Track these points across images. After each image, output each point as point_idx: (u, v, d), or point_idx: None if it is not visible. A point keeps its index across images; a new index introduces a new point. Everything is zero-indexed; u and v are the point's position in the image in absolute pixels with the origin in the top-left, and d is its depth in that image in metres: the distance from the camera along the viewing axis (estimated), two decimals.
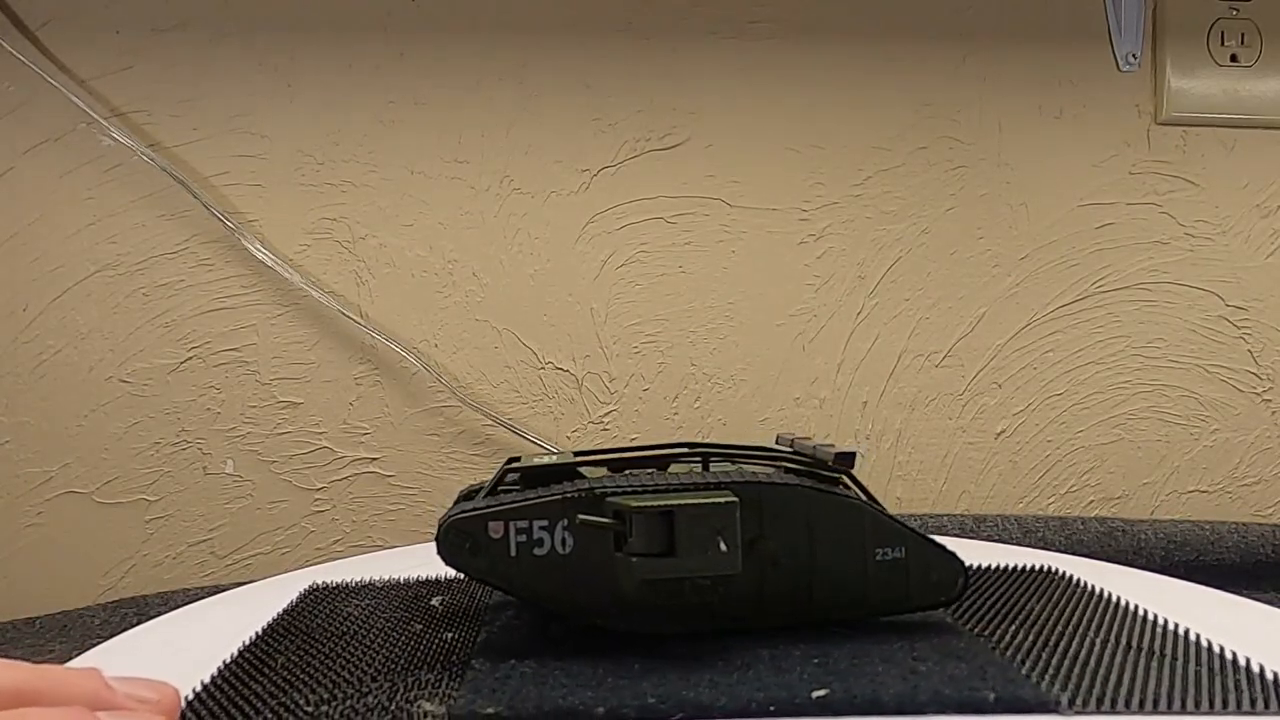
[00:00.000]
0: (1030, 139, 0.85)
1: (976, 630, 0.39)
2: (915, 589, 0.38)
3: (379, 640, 0.40)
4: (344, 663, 0.37)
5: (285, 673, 0.36)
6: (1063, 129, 0.85)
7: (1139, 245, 0.85)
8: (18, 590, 0.75)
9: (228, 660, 0.38)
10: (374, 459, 0.79)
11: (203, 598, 0.51)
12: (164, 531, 0.77)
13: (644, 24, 0.81)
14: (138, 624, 0.46)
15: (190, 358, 0.77)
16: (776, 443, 0.45)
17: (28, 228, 0.75)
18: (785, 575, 0.37)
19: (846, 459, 0.39)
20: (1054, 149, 0.85)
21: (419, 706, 0.31)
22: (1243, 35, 0.85)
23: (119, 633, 0.44)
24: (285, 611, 0.45)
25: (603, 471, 0.39)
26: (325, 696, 0.33)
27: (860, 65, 0.83)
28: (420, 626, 0.42)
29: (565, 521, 0.36)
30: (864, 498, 0.39)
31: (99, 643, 0.42)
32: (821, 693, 0.31)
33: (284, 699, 0.33)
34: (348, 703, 0.32)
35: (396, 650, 0.38)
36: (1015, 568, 0.51)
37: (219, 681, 0.35)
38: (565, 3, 0.80)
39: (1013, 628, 0.39)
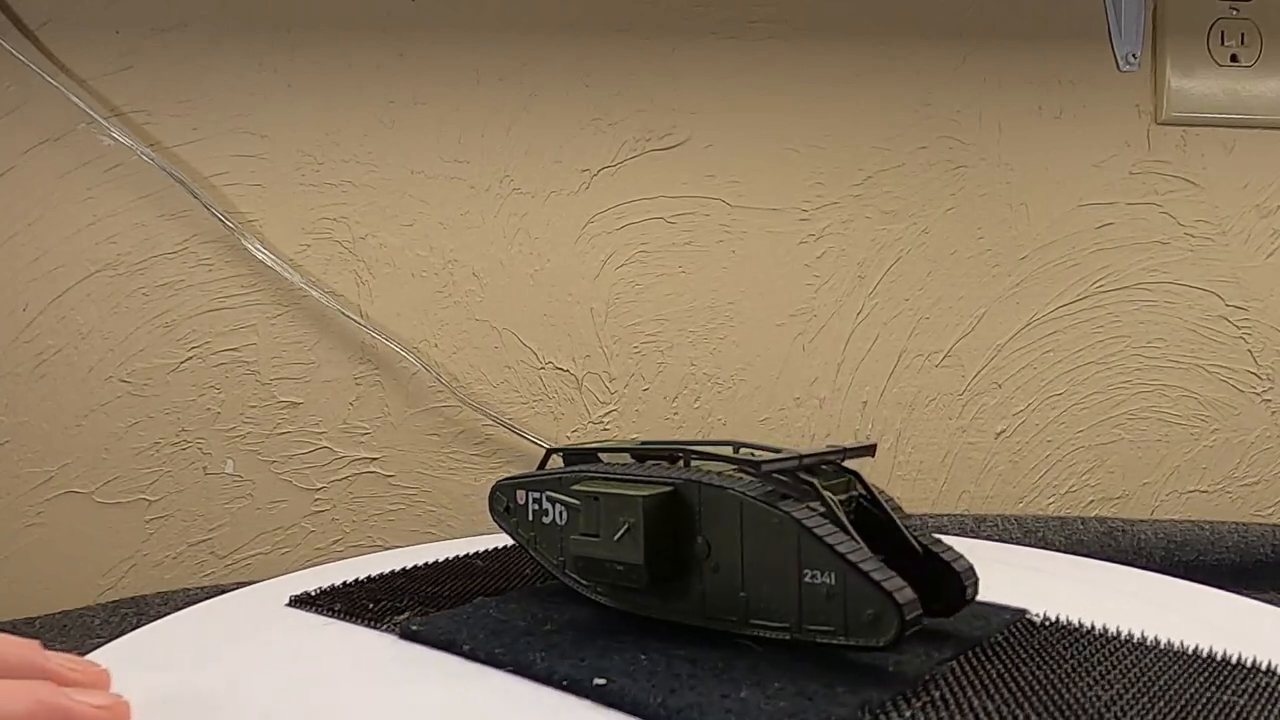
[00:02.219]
0: (1030, 139, 0.85)
1: (929, 691, 0.33)
2: (852, 623, 0.33)
3: (469, 581, 0.48)
4: (424, 591, 0.46)
5: (392, 583, 0.48)
6: (1063, 129, 0.85)
7: (1139, 245, 0.85)
8: (18, 590, 0.75)
9: (398, 568, 0.50)
10: (374, 459, 0.79)
11: (203, 598, 0.51)
12: (164, 531, 0.77)
13: (644, 24, 0.81)
14: (138, 624, 0.46)
15: (190, 358, 0.77)
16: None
17: (28, 228, 0.75)
18: (724, 580, 0.36)
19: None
20: (1054, 149, 0.85)
21: (397, 620, 0.41)
22: (1243, 35, 0.85)
23: (119, 633, 0.44)
24: (475, 552, 0.54)
25: (625, 458, 0.42)
26: (386, 605, 0.44)
27: (860, 65, 0.83)
28: (522, 569, 0.50)
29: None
30: (817, 510, 0.35)
31: (99, 643, 0.42)
32: (600, 682, 0.33)
33: (365, 600, 0.45)
34: (384, 612, 0.43)
35: (458, 587, 0.47)
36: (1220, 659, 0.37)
37: (361, 578, 0.48)
38: (565, 3, 0.80)
39: (987, 702, 0.32)
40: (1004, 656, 0.37)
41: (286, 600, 0.45)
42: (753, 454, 0.40)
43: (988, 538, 0.78)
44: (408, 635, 0.40)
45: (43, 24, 0.75)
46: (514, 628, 0.40)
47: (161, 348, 0.77)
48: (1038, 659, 0.36)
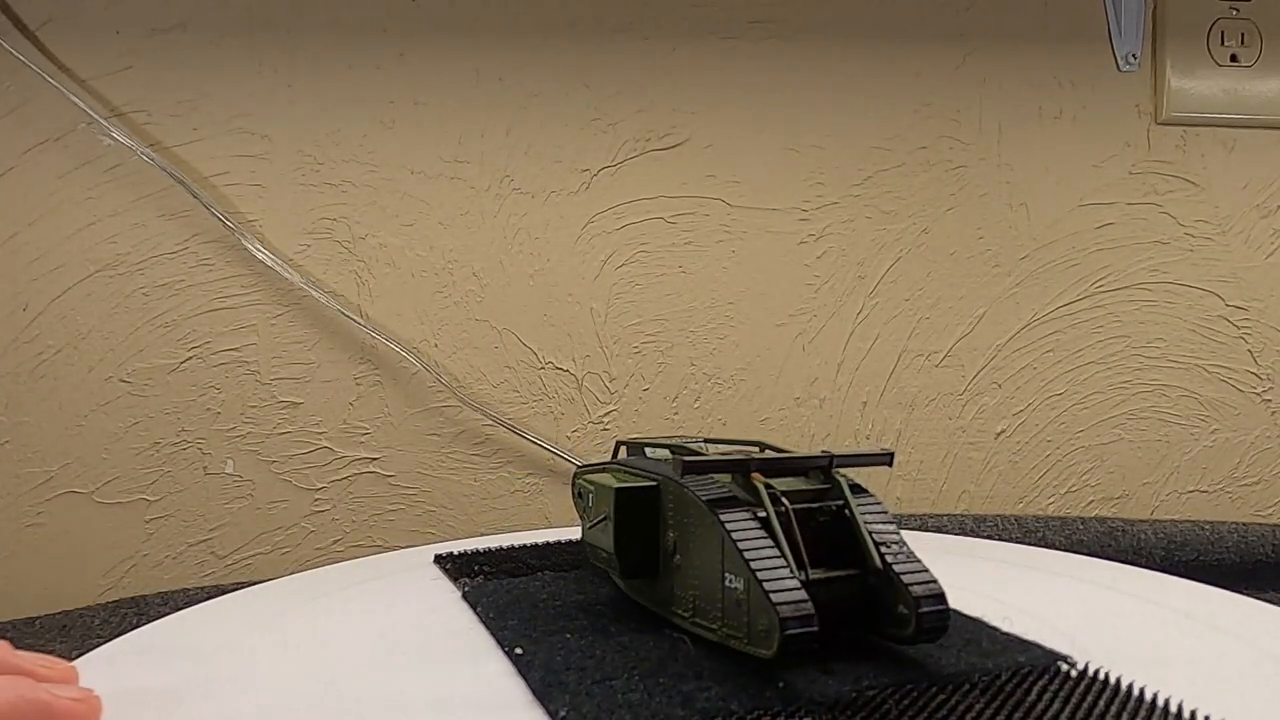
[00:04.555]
0: (1030, 139, 0.85)
1: (794, 715, 0.30)
2: (752, 630, 0.32)
3: (568, 557, 0.54)
4: (520, 561, 0.53)
5: (511, 553, 0.55)
6: (1063, 129, 0.85)
7: (1139, 245, 0.85)
8: (18, 590, 0.75)
9: (526, 543, 0.57)
10: (374, 459, 0.79)
11: (203, 598, 0.51)
12: (164, 531, 0.77)
13: (644, 24, 0.81)
14: (138, 624, 0.46)
15: (190, 358, 0.77)
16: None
17: (28, 228, 0.75)
18: (683, 576, 0.37)
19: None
20: (1054, 149, 0.85)
21: (465, 582, 0.49)
22: (1243, 35, 0.85)
23: (119, 633, 0.44)
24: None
25: (663, 453, 0.44)
26: (483, 569, 0.51)
27: (860, 65, 0.83)
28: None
29: None
30: (755, 515, 0.34)
31: (99, 643, 0.42)
32: (519, 651, 0.37)
33: (473, 564, 0.52)
34: (474, 574, 0.50)
35: (554, 562, 0.52)
36: None
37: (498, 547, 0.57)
38: (565, 3, 0.80)
39: None
40: (943, 703, 0.31)
41: (431, 558, 0.55)
42: (756, 454, 0.40)
43: (988, 537, 0.78)
44: (464, 596, 0.46)
45: (43, 24, 0.75)
46: (530, 600, 0.44)
47: (161, 348, 0.77)
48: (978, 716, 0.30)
